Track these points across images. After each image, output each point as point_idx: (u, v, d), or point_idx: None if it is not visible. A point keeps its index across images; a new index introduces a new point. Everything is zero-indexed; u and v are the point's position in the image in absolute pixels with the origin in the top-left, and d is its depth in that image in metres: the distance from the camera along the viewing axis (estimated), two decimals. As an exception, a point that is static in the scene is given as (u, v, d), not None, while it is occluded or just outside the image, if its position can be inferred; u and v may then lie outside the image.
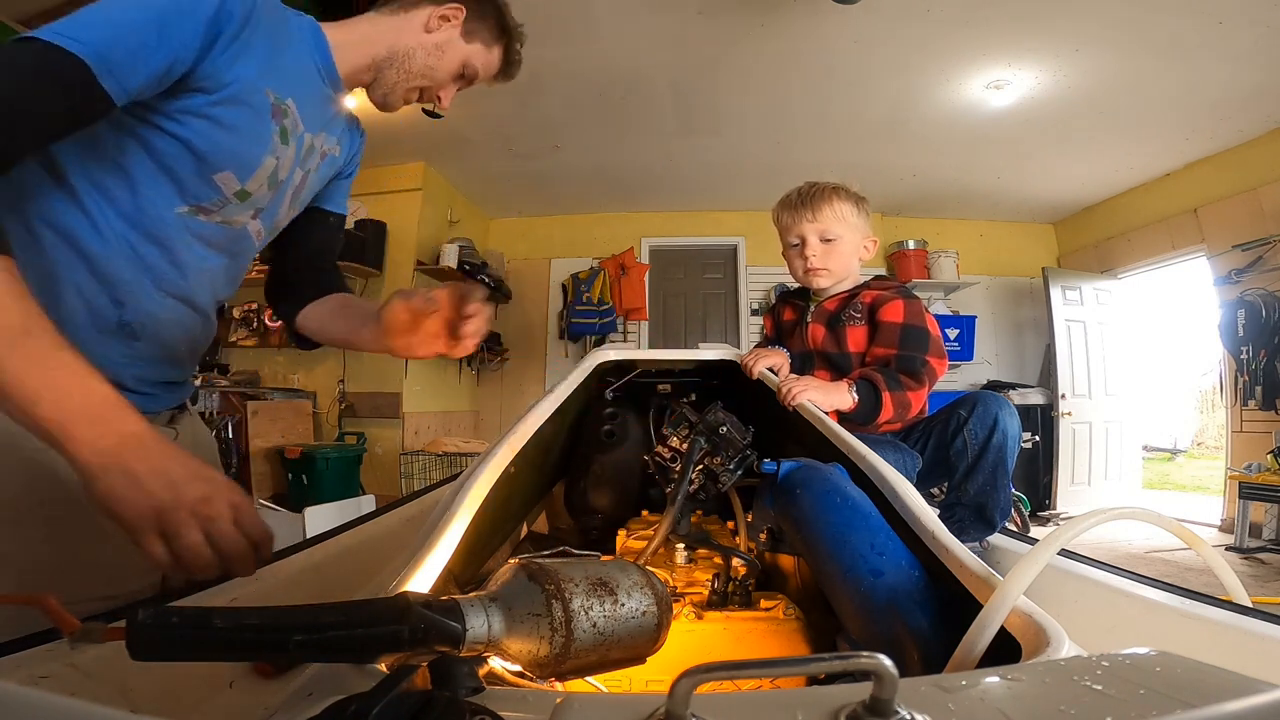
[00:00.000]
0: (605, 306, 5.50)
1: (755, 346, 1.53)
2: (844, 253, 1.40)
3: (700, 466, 1.01)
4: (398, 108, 1.00)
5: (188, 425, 0.96)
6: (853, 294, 1.41)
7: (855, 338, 1.37)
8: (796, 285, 1.54)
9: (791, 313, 1.53)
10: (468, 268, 4.79)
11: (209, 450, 1.06)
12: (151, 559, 0.54)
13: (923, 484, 1.24)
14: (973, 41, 3.16)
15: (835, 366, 1.39)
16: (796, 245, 1.42)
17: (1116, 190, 5.04)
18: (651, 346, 5.50)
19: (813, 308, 1.46)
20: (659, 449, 1.12)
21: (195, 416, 1.02)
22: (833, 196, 1.38)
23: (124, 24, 0.67)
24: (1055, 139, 4.15)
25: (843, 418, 1.22)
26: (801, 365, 1.43)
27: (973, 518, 1.10)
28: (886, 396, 1.21)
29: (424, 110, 1.09)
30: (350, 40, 0.93)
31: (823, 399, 1.18)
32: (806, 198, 1.40)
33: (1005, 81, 3.50)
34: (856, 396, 1.22)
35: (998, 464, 1.10)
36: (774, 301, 1.63)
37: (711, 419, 0.92)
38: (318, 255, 1.09)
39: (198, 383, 3.66)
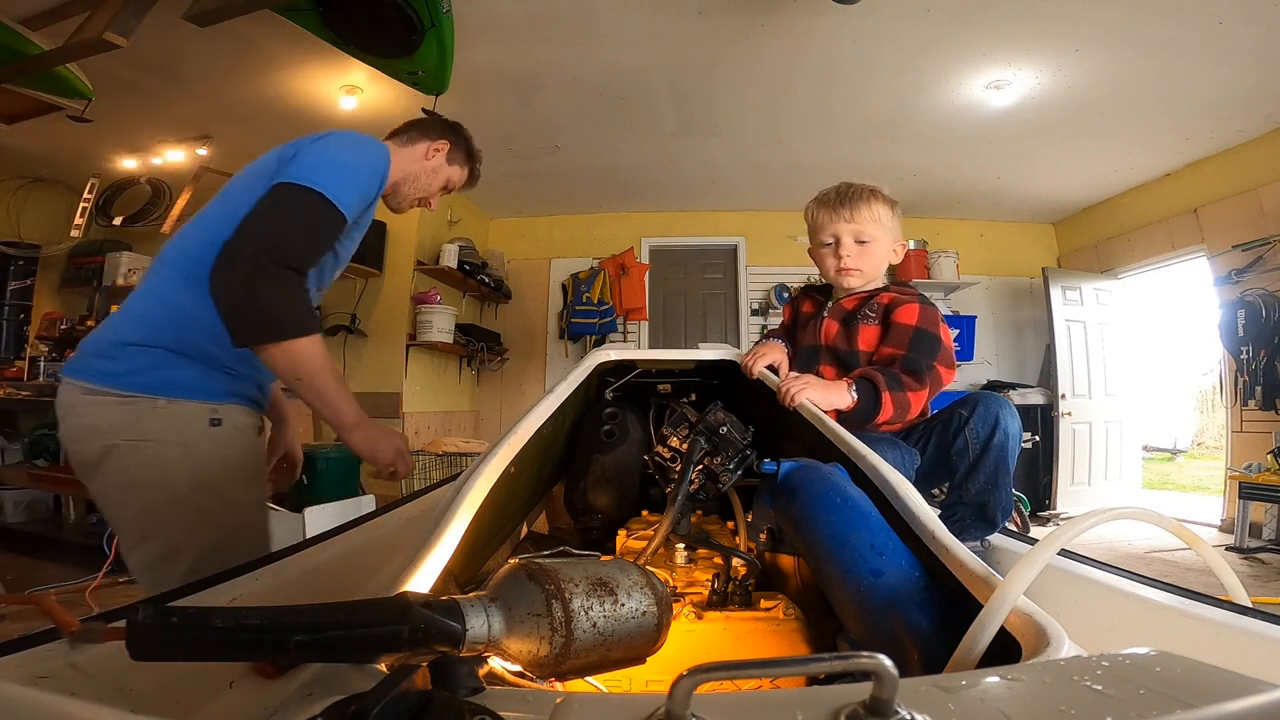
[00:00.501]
0: (605, 306, 5.50)
1: (763, 337, 1.53)
2: (877, 254, 1.41)
3: (700, 466, 1.01)
4: (404, 212, 1.44)
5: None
6: (871, 294, 1.42)
7: (867, 337, 1.38)
8: (798, 286, 1.54)
9: (811, 306, 1.54)
10: (468, 268, 4.78)
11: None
12: (389, 475, 1.17)
13: (924, 484, 1.24)
14: (973, 41, 3.16)
15: (843, 363, 1.39)
16: (830, 244, 1.42)
17: (1116, 190, 5.03)
18: (651, 346, 5.50)
19: (831, 304, 1.46)
20: (659, 449, 1.12)
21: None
22: (871, 198, 1.39)
23: (354, 191, 1.14)
24: (1055, 139, 4.15)
25: (842, 417, 1.22)
26: (809, 360, 1.43)
27: (974, 517, 1.10)
28: (886, 396, 1.21)
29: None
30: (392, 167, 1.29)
31: (822, 398, 1.18)
32: (845, 198, 1.39)
33: (1005, 81, 3.50)
34: (856, 396, 1.21)
35: (999, 463, 1.10)
36: (795, 294, 1.63)
37: (712, 419, 0.92)
38: None
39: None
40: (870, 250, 1.40)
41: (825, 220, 1.42)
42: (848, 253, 1.39)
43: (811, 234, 1.47)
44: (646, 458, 1.19)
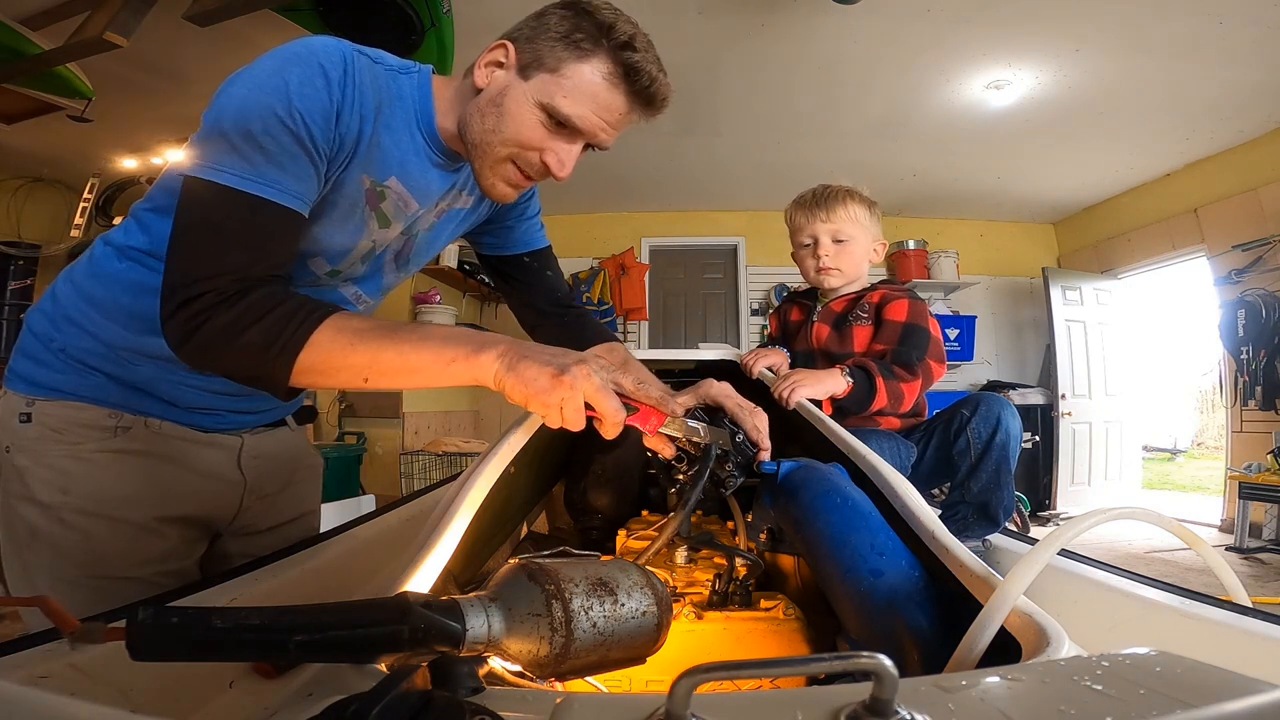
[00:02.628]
0: (605, 306, 5.50)
1: (758, 347, 1.53)
2: (855, 254, 1.42)
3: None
4: (504, 192, 0.86)
5: (266, 441, 1.02)
6: (860, 295, 1.42)
7: (861, 337, 1.38)
8: (798, 287, 1.55)
9: (798, 313, 1.54)
10: (467, 267, 4.78)
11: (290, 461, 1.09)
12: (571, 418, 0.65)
13: (925, 485, 1.24)
14: (973, 41, 3.16)
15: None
16: (809, 245, 1.44)
17: (1116, 190, 5.03)
18: (651, 346, 5.50)
19: (819, 308, 1.47)
20: None
21: (288, 434, 1.08)
22: (847, 199, 1.40)
23: (300, 173, 0.72)
24: (1055, 139, 4.15)
25: (837, 406, 1.23)
26: (804, 366, 1.43)
27: (976, 515, 1.10)
28: (880, 383, 1.22)
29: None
30: (442, 104, 0.85)
31: (817, 387, 1.19)
32: (821, 199, 1.41)
33: (1005, 81, 3.50)
34: (851, 380, 1.23)
35: (1001, 462, 1.10)
36: (780, 302, 1.63)
37: (727, 426, 0.92)
38: (541, 298, 1.15)
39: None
40: (848, 250, 1.41)
41: (802, 221, 1.44)
42: (826, 253, 1.41)
43: (791, 236, 1.49)
44: (650, 455, 1.19)
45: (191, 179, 0.68)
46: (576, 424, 0.64)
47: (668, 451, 0.86)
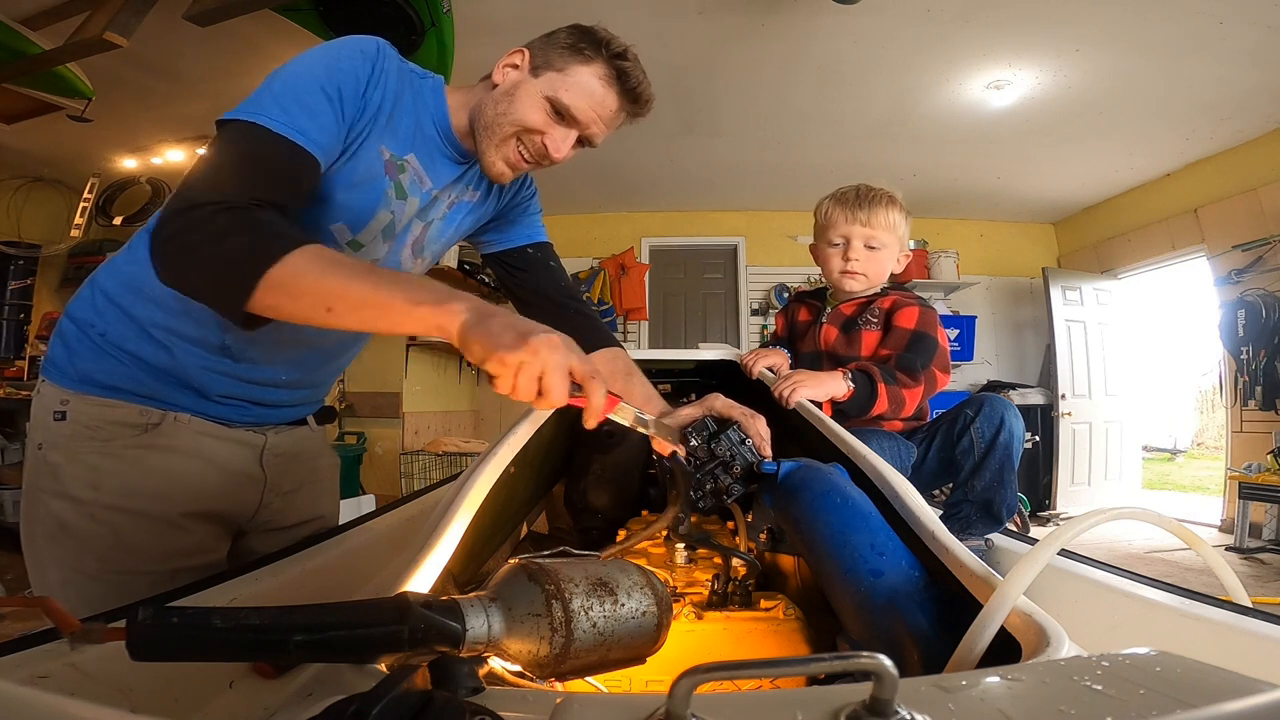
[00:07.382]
0: (605, 306, 5.50)
1: (760, 347, 1.53)
2: (883, 262, 1.40)
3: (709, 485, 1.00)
4: (502, 170, 0.97)
5: (287, 439, 1.04)
6: (871, 299, 1.41)
7: (869, 342, 1.37)
8: (798, 287, 1.54)
9: (807, 314, 1.52)
10: (467, 267, 4.78)
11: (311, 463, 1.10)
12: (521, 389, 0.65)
13: (928, 486, 1.24)
14: (973, 41, 3.16)
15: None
16: (838, 245, 1.40)
17: (1116, 190, 5.03)
18: (651, 346, 5.50)
19: (829, 310, 1.46)
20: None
21: (308, 433, 1.10)
22: (889, 205, 1.37)
23: (327, 126, 0.80)
24: (1055, 139, 4.15)
25: (837, 409, 1.23)
26: (811, 367, 1.43)
27: (979, 514, 1.10)
28: (881, 388, 1.22)
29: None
30: (454, 105, 0.98)
31: (817, 389, 1.19)
32: (865, 200, 1.37)
33: (1005, 81, 3.50)
34: (852, 384, 1.22)
35: (1004, 461, 1.10)
36: (787, 302, 1.62)
37: (735, 435, 0.93)
38: (548, 285, 1.18)
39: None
40: (878, 257, 1.39)
41: (839, 219, 1.39)
42: (856, 256, 1.38)
43: (819, 230, 1.44)
44: (655, 458, 1.19)
45: (230, 121, 0.75)
46: (528, 393, 0.62)
47: (665, 450, 0.87)
